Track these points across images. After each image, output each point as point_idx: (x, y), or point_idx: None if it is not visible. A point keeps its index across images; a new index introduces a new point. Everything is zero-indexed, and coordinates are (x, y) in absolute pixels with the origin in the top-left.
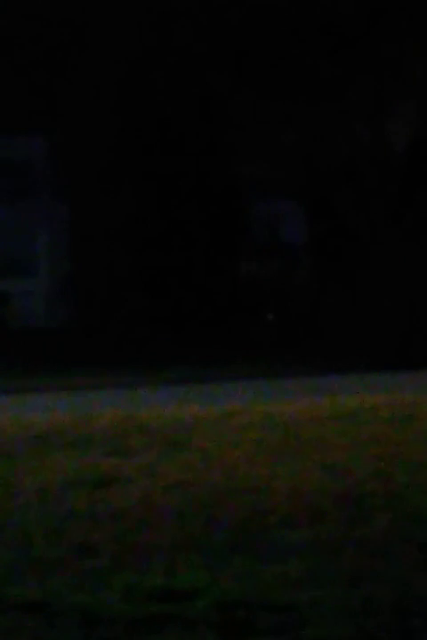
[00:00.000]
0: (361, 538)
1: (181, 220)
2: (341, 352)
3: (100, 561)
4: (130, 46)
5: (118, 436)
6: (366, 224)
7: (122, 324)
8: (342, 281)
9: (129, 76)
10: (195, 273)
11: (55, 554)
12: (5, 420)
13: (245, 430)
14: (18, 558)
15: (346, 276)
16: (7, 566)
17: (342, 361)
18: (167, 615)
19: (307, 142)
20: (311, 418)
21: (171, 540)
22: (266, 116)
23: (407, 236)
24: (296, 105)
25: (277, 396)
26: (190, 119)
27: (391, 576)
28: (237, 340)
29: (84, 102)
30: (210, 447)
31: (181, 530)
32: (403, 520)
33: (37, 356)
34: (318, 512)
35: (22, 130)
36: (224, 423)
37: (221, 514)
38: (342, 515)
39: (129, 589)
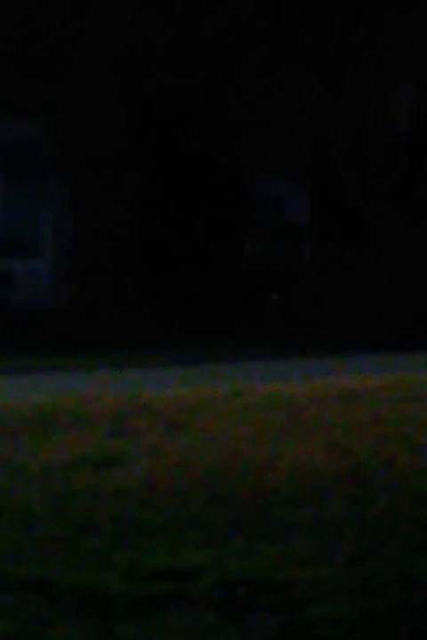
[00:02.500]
0: (363, 517)
1: (185, 200)
2: (344, 333)
3: (102, 540)
4: (134, 27)
5: (122, 416)
6: (370, 205)
7: (126, 304)
8: (346, 262)
9: (133, 55)
10: (199, 253)
11: (58, 533)
12: (9, 400)
13: (249, 411)
14: (21, 537)
15: (350, 257)
16: (11, 545)
17: (345, 342)
18: (169, 594)
19: (311, 122)
20: (315, 398)
21: (173, 520)
22: (270, 97)
23: (411, 217)
24: (301, 85)
25: (281, 376)
26: (194, 100)
27: (393, 555)
28: (241, 320)
29: (87, 82)
30: (213, 427)
31: (183, 509)
32: (405, 500)
33: (41, 336)
34: (321, 492)
35: (27, 110)
36: (227, 403)
37: (224, 493)
38: (345, 494)
39: (131, 568)
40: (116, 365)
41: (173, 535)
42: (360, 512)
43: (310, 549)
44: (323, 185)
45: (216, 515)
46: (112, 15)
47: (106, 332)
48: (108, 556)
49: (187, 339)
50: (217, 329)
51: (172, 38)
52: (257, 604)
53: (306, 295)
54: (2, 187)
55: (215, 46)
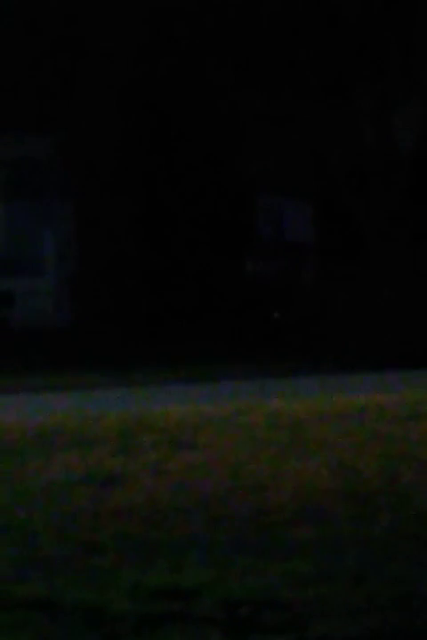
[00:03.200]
0: (366, 536)
1: (186, 218)
2: (347, 351)
3: (105, 559)
4: (134, 46)
5: (124, 434)
6: (372, 223)
7: (127, 323)
8: (349, 280)
9: (134, 74)
10: (200, 271)
11: (60, 552)
12: (11, 419)
13: (251, 429)
14: (23, 556)
15: (353, 274)
16: (13, 564)
17: (348, 360)
18: (172, 613)
19: (313, 141)
20: (317, 416)
21: (176, 538)
22: (272, 115)
23: (413, 235)
24: (303, 103)
25: (283, 394)
26: (196, 117)
27: (396, 574)
28: (242, 338)
29: (91, 100)
30: (215, 446)
31: (186, 528)
32: (408, 519)
33: (43, 355)
34: (324, 510)
35: (28, 128)
36: (230, 422)
37: (227, 512)
38: (348, 513)
39: (134, 587)
40: (118, 384)
41: (176, 554)
42: (363, 530)
43: (314, 568)
44: (325, 202)
45: (219, 533)
46: (112, 36)
47: (108, 351)
48: (111, 575)
49: (189, 357)
50: (219, 347)
51: (174, 57)
52: (260, 623)
53: (308, 313)
54: (3, 204)
55: (218, 64)
